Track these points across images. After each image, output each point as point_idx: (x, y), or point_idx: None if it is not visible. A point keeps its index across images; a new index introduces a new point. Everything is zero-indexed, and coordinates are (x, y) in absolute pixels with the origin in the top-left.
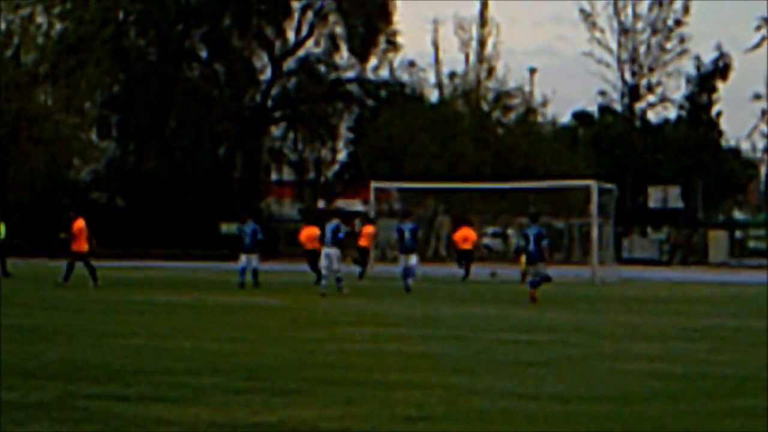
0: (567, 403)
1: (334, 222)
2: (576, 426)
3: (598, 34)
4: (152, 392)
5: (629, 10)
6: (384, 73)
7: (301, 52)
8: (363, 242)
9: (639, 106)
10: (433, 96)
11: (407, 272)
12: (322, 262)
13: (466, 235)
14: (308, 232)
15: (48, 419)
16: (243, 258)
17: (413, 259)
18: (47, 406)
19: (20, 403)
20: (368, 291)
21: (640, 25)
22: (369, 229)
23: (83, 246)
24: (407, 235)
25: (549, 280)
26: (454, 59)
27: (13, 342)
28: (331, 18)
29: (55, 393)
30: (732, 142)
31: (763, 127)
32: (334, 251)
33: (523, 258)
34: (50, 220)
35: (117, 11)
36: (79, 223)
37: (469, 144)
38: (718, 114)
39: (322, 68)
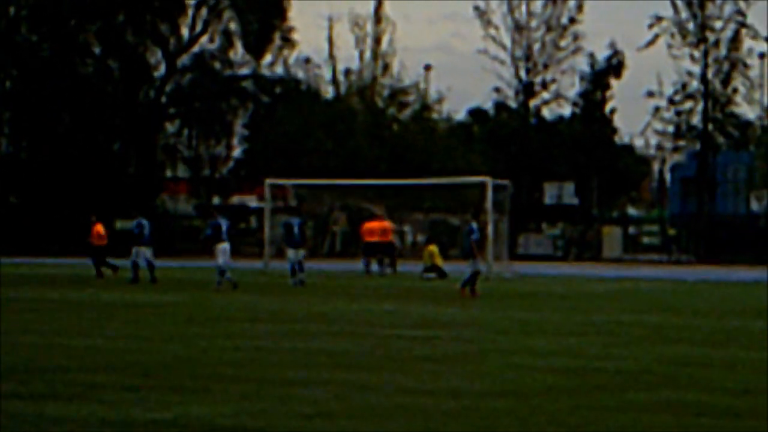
0: (462, 398)
1: (225, 219)
2: (472, 421)
3: (492, 32)
4: (45, 390)
5: (523, 7)
6: (279, 69)
7: (195, 49)
8: (382, 238)
9: (534, 103)
10: (329, 93)
11: (300, 266)
12: (220, 258)
13: (374, 228)
14: (99, 230)
15: None
16: (133, 252)
17: (302, 253)
18: None
19: None
20: (264, 287)
21: (534, 22)
22: (386, 224)
23: None
24: (296, 230)
25: (444, 276)
26: (349, 56)
27: None
28: (226, 14)
29: None
30: (626, 139)
31: (656, 124)
32: (229, 246)
33: (428, 251)
34: None
35: (9, 6)
36: None
37: (365, 140)
38: (612, 111)
39: (217, 65)
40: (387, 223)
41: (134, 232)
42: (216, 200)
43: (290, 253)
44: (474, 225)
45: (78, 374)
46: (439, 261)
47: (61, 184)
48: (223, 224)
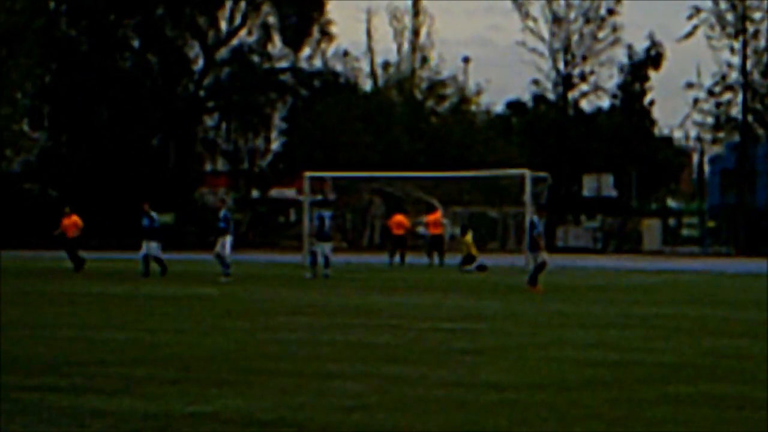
0: (502, 391)
1: (225, 210)
2: (511, 414)
3: (531, 24)
4: (86, 383)
5: None
6: (317, 62)
7: (234, 42)
8: (435, 230)
9: (572, 95)
10: (367, 85)
11: (327, 261)
12: (227, 249)
13: (400, 221)
14: (70, 221)
15: None
16: (144, 246)
17: (330, 247)
18: None
19: None
20: (303, 280)
21: (572, 14)
22: (435, 216)
23: None
24: (327, 222)
25: (484, 269)
26: (387, 49)
27: None
28: (264, 8)
29: None
30: (665, 131)
31: (695, 115)
32: (229, 239)
33: (465, 242)
34: None
35: (48, 1)
36: None
37: (403, 133)
38: (651, 103)
39: (255, 58)
40: (403, 218)
41: (145, 226)
42: (255, 193)
43: (318, 246)
44: (536, 218)
45: (118, 368)
46: (473, 250)
47: (100, 178)
48: (230, 217)
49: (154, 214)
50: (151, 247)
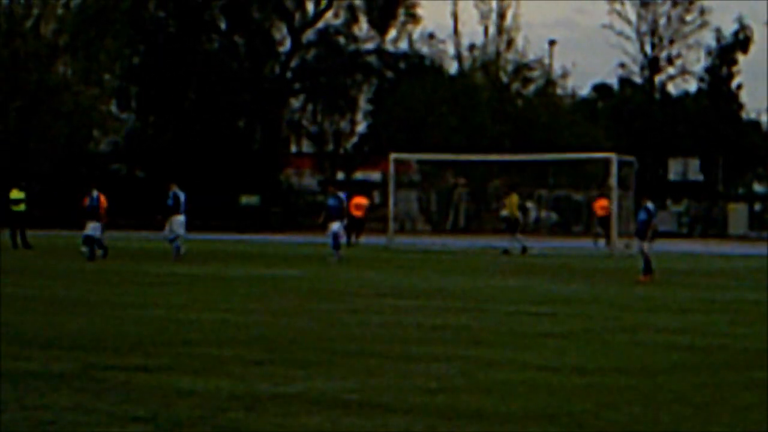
0: (587, 375)
1: (182, 192)
2: (596, 398)
3: (617, 6)
4: (172, 363)
5: None
6: (403, 45)
7: (320, 24)
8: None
9: (659, 78)
10: (453, 68)
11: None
12: (179, 230)
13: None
14: None
15: (68, 390)
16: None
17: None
18: (67, 377)
19: (40, 374)
20: (388, 263)
21: None
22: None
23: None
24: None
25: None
26: (473, 31)
27: (32, 313)
28: None
29: (76, 364)
30: (752, 115)
31: None
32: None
33: (509, 201)
34: (70, 192)
35: None
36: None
37: (489, 116)
38: (739, 86)
39: (342, 40)
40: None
41: (86, 207)
42: (340, 175)
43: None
44: (650, 205)
45: (204, 348)
46: (515, 211)
47: (186, 159)
48: (181, 196)
49: (95, 193)
50: (96, 227)
